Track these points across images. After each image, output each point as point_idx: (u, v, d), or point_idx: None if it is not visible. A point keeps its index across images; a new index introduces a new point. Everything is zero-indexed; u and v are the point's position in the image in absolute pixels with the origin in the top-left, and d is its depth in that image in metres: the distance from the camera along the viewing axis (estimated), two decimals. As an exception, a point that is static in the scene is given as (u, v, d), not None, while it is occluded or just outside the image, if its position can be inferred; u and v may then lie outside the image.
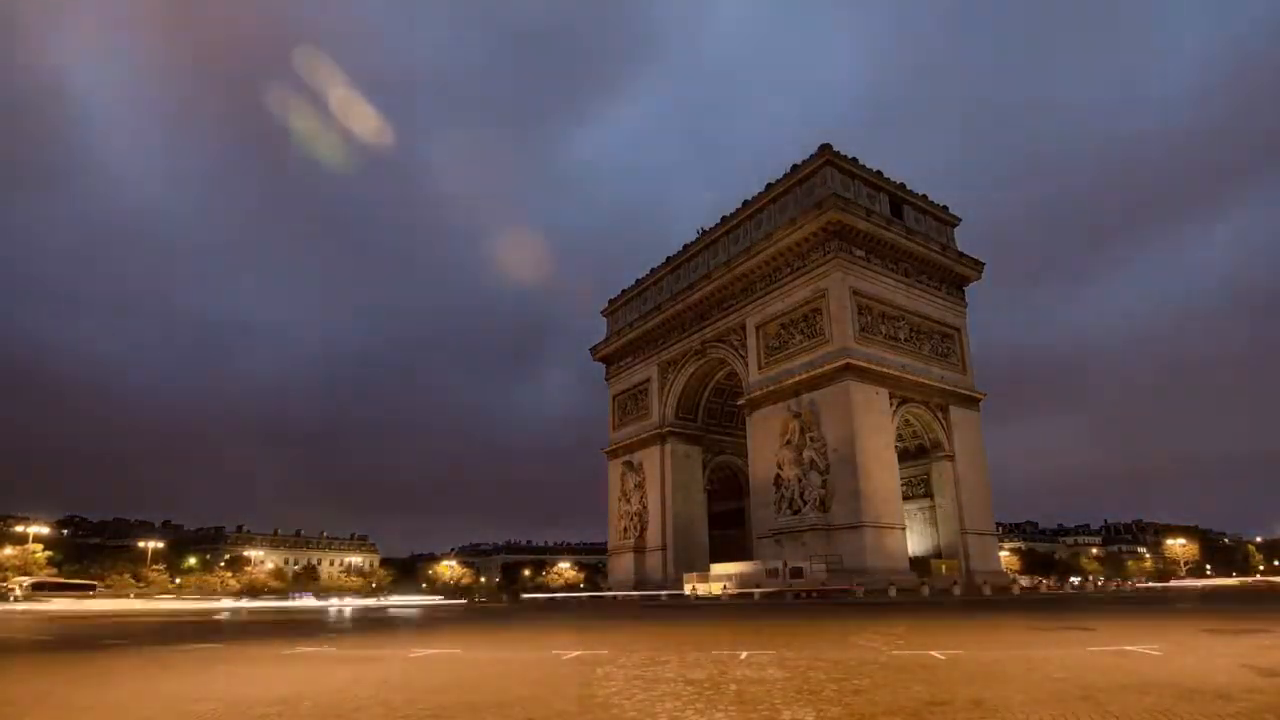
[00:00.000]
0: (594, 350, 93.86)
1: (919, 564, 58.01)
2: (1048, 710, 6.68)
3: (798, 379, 60.10)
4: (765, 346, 65.44)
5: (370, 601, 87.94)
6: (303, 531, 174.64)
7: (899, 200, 66.60)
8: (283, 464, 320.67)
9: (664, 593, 64.44)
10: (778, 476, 60.39)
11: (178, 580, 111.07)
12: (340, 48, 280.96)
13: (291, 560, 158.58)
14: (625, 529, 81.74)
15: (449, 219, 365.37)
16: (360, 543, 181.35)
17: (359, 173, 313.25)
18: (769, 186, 67.95)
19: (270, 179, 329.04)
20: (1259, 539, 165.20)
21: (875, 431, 56.86)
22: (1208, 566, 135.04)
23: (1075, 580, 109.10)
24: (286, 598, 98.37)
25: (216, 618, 34.36)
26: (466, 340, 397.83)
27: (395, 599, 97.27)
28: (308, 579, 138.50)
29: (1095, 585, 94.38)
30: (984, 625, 20.18)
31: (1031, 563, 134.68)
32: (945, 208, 70.79)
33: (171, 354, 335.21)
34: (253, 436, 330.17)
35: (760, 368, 65.26)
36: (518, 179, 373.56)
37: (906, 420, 61.39)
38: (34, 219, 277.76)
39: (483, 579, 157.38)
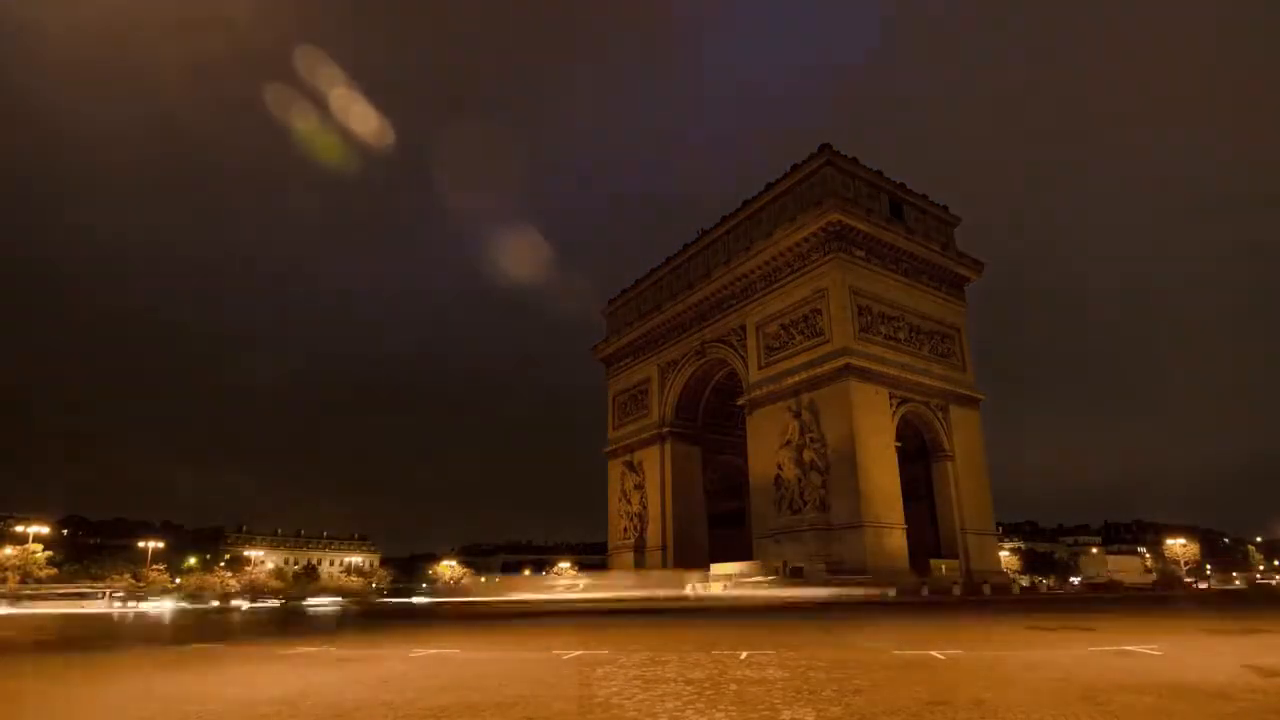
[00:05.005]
0: (594, 350, 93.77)
1: (919, 564, 57.93)
2: (1048, 710, 6.68)
3: (798, 379, 60.04)
4: (765, 346, 65.37)
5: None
6: (303, 531, 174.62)
7: (899, 200, 66.54)
8: (283, 464, 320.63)
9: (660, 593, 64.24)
10: (778, 476, 60.32)
11: (178, 580, 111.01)
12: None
13: (291, 560, 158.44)
14: (625, 529, 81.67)
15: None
16: (360, 543, 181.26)
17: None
18: (769, 186, 67.87)
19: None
20: (1259, 539, 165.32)
21: (875, 431, 56.80)
22: (1208, 566, 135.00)
23: (1075, 580, 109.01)
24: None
25: None
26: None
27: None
28: (308, 579, 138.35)
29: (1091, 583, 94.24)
30: (984, 625, 20.18)
31: (1031, 563, 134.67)
32: (945, 207, 70.71)
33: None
34: (253, 434, 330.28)
35: (760, 367, 65.20)
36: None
37: (906, 420, 61.33)
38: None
39: (483, 579, 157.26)
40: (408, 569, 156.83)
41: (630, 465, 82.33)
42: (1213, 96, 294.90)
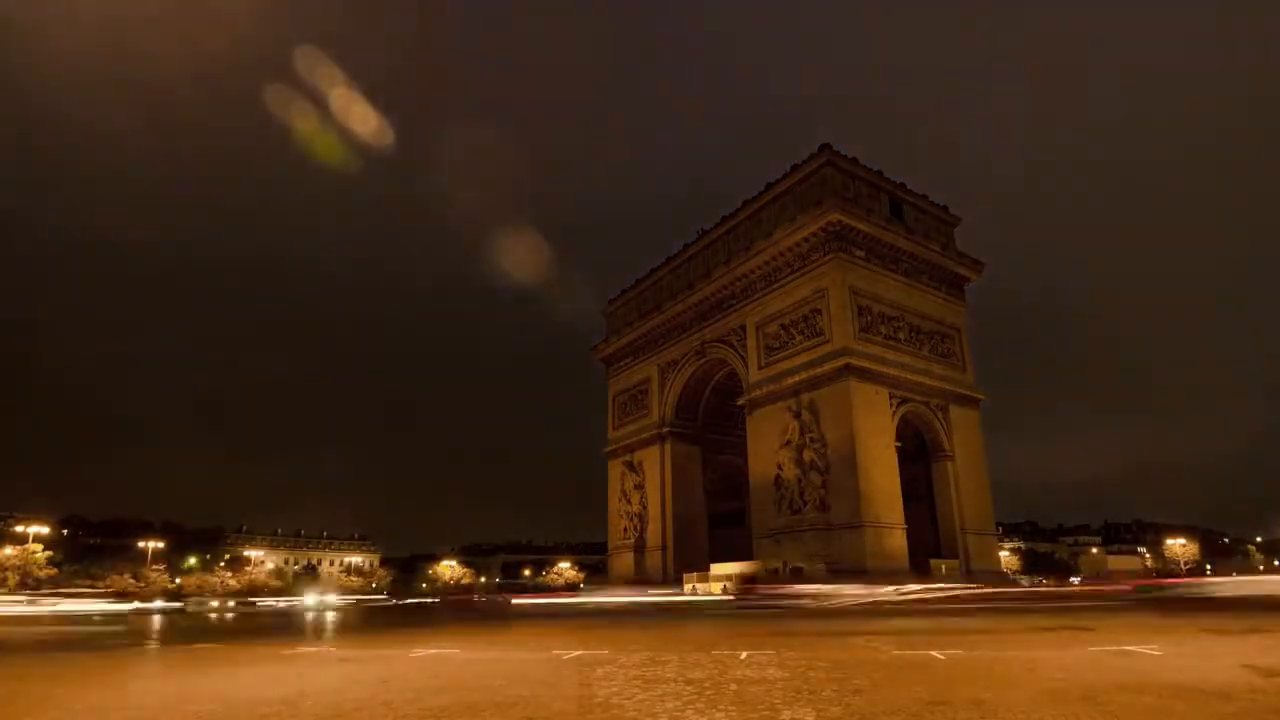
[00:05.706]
0: (594, 350, 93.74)
1: (919, 564, 57.92)
2: (1048, 710, 6.68)
3: (798, 379, 60.01)
4: (765, 346, 65.35)
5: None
6: (303, 532, 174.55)
7: (899, 200, 66.50)
8: (283, 464, 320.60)
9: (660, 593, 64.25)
10: (778, 476, 60.29)
11: (178, 580, 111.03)
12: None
13: (291, 560, 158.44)
14: (625, 529, 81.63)
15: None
16: (360, 543, 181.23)
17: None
18: (769, 186, 67.84)
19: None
20: (1259, 539, 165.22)
21: (875, 431, 56.77)
22: (1208, 566, 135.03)
23: (1076, 580, 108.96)
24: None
25: None
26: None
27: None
28: (308, 579, 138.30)
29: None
30: (984, 625, 20.17)
31: (1031, 563, 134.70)
32: (945, 207, 70.67)
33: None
34: (254, 433, 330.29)
35: (760, 367, 65.17)
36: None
37: (906, 420, 61.29)
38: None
39: (483, 579, 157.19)
40: (408, 569, 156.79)
41: (630, 465, 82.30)
42: (1212, 98, 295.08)
